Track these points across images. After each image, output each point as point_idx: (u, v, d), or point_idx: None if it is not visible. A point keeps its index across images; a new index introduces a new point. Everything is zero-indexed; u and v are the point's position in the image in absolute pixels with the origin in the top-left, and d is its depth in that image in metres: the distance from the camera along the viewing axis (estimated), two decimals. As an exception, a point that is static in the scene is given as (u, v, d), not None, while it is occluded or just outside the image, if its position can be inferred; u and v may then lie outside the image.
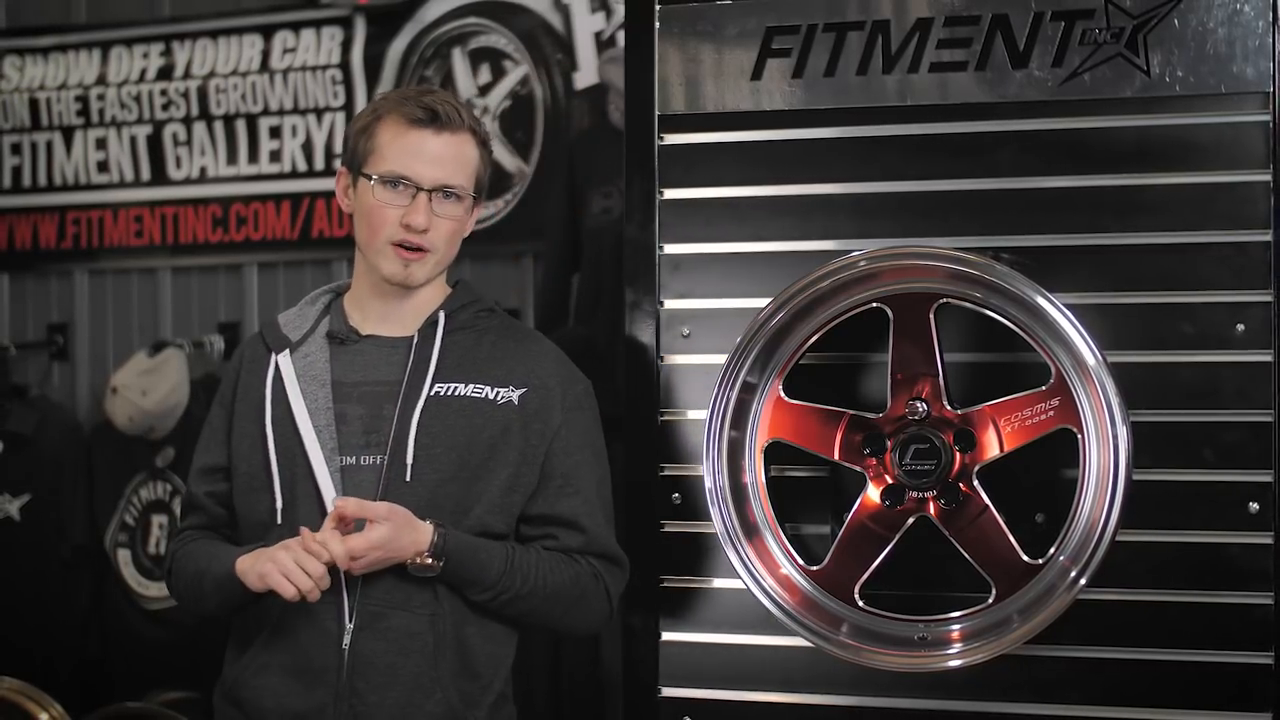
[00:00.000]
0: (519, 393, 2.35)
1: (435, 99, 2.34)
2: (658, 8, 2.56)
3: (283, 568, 2.19)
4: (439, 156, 2.32)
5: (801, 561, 2.41)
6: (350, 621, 2.26)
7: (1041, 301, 2.25)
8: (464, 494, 2.30)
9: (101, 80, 4.22)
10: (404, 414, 2.30)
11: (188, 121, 4.14)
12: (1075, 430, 2.28)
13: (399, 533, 2.22)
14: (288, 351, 2.37)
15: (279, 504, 2.30)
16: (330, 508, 2.26)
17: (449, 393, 2.33)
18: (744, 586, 2.39)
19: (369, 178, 2.32)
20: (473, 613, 2.31)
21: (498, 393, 2.34)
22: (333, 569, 2.22)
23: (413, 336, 2.37)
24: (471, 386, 2.34)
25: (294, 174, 4.05)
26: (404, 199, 2.31)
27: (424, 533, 2.25)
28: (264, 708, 2.29)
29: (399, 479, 2.28)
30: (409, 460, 2.28)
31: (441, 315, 2.38)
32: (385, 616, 2.27)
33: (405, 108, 2.33)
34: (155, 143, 4.19)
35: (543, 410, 2.36)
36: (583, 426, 2.40)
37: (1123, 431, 2.21)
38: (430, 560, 2.25)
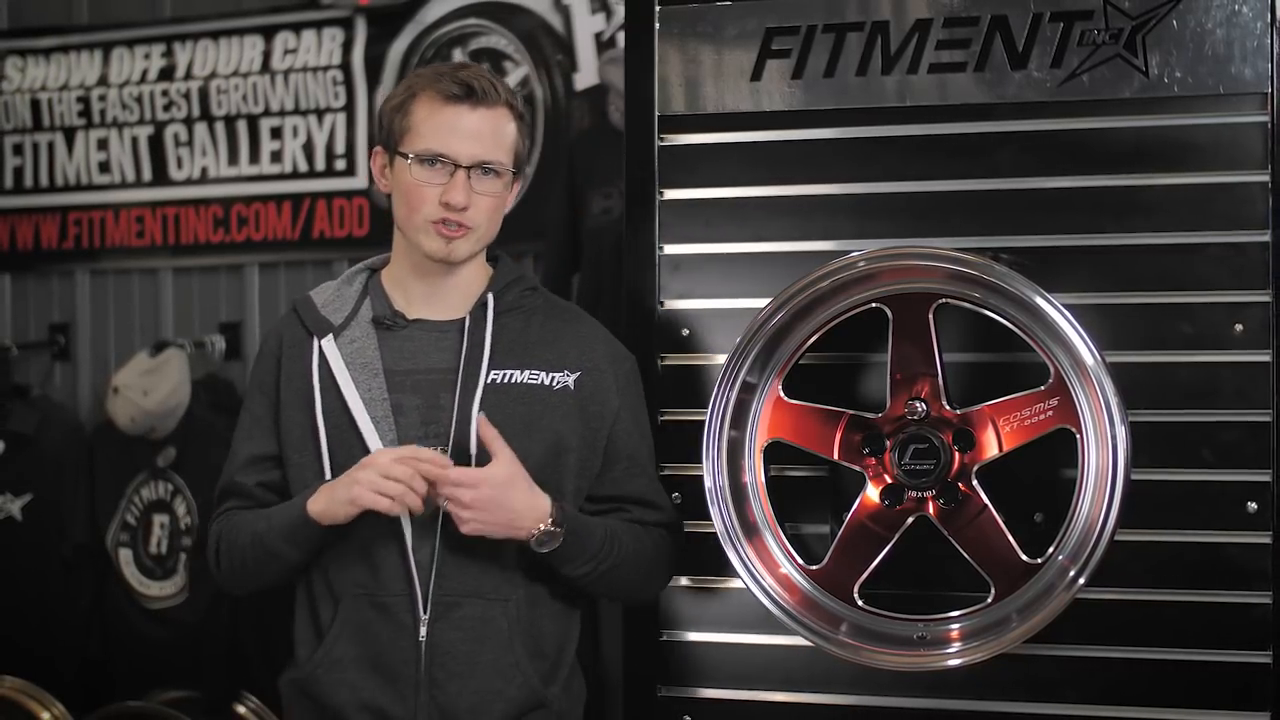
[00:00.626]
0: (574, 376, 2.34)
1: (470, 74, 2.31)
2: (658, 9, 2.57)
3: (373, 485, 2.16)
4: (476, 132, 2.28)
5: (801, 561, 2.41)
6: (425, 612, 2.25)
7: (1040, 302, 2.26)
8: (533, 482, 2.28)
9: (103, 81, 4.23)
10: (464, 404, 2.28)
11: (189, 122, 4.15)
12: (1074, 430, 2.29)
13: (515, 484, 2.20)
14: (331, 336, 2.33)
15: None
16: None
17: (506, 380, 2.31)
18: (744, 586, 2.39)
19: (406, 156, 2.29)
20: (546, 594, 2.32)
21: (553, 377, 2.33)
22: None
23: (461, 320, 2.34)
24: (527, 373, 2.32)
25: (295, 174, 4.06)
26: (442, 176, 2.28)
27: (542, 498, 2.23)
28: (341, 702, 2.27)
29: None
30: (473, 451, 2.26)
31: (490, 298, 2.35)
32: (459, 605, 2.26)
33: (440, 84, 2.29)
34: (156, 143, 4.19)
35: (598, 393, 2.36)
36: (636, 405, 2.41)
37: (1121, 431, 2.21)
38: (555, 528, 2.23)
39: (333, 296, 2.38)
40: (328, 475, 2.28)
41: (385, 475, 2.17)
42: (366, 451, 2.26)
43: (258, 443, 2.36)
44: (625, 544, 2.33)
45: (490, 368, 2.31)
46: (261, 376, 2.39)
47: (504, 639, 2.28)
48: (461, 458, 2.26)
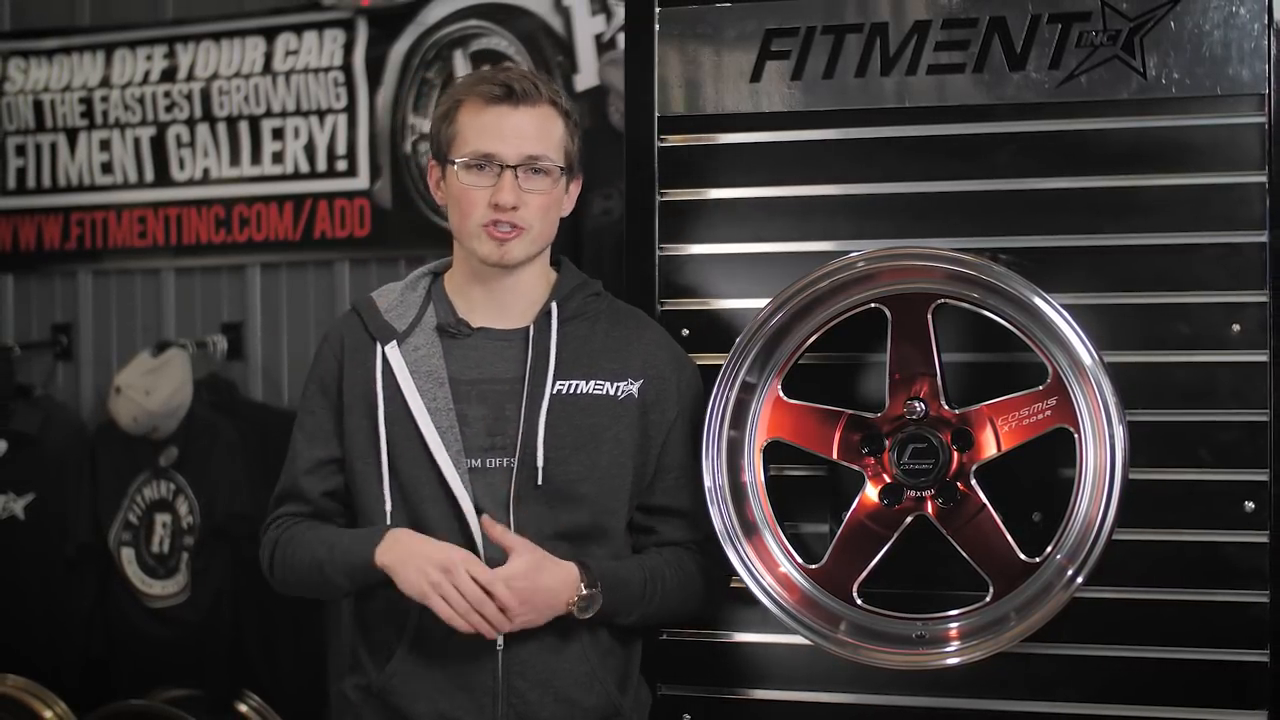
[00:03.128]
0: (637, 384, 2.34)
1: (510, 75, 2.31)
2: (657, 10, 2.58)
3: (445, 594, 2.17)
4: (520, 131, 2.27)
5: (800, 560, 2.42)
6: None
7: (1039, 302, 2.27)
8: (598, 494, 2.29)
9: (105, 82, 4.23)
10: (530, 415, 2.27)
11: (191, 123, 4.15)
12: (1072, 430, 2.29)
13: (542, 566, 2.20)
14: (395, 343, 2.32)
15: (388, 507, 2.27)
16: (468, 512, 2.23)
17: (571, 391, 2.30)
18: (743, 585, 2.40)
19: (454, 163, 2.29)
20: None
21: (618, 387, 2.32)
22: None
23: (526, 329, 2.33)
24: (593, 383, 2.31)
25: (296, 175, 4.06)
26: (490, 179, 2.27)
27: (567, 567, 2.23)
28: (419, 713, 2.26)
29: (529, 482, 2.26)
30: (539, 464, 2.25)
31: (554, 306, 2.34)
32: None
33: (481, 87, 2.29)
34: (159, 144, 4.20)
35: (660, 401, 2.35)
36: (694, 414, 2.40)
37: (1119, 431, 2.22)
38: (589, 590, 2.23)
39: (396, 301, 2.37)
40: (387, 485, 2.27)
41: (460, 589, 2.16)
42: (432, 462, 2.25)
43: (320, 446, 2.34)
44: (668, 577, 2.33)
45: (555, 378, 2.30)
46: (322, 378, 2.37)
47: (580, 649, 2.28)
48: (527, 470, 2.26)
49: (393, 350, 2.31)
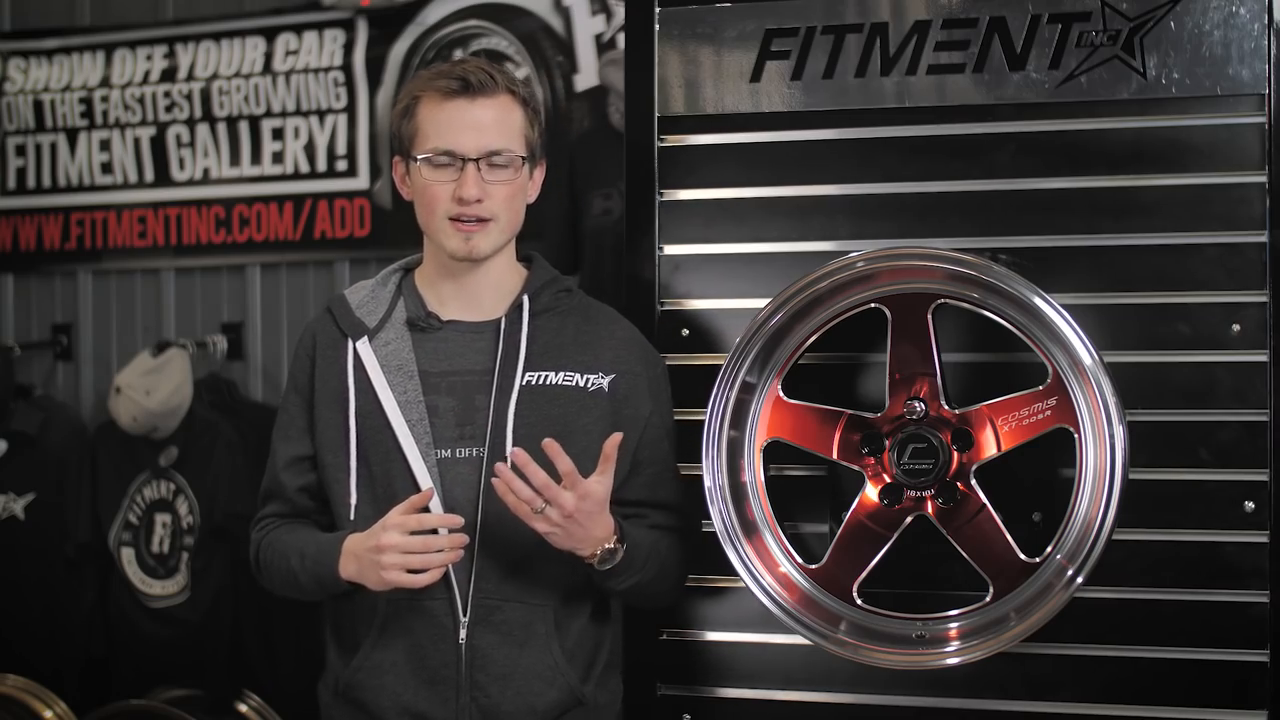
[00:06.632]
0: (608, 379, 2.35)
1: (466, 68, 2.32)
2: (658, 10, 2.58)
3: (402, 564, 2.17)
4: (478, 124, 2.28)
5: (800, 560, 2.42)
6: (465, 615, 2.26)
7: (1039, 302, 2.26)
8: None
9: (105, 82, 4.24)
10: (499, 405, 2.29)
11: (191, 123, 4.16)
12: (1072, 430, 2.29)
13: (606, 506, 2.21)
14: (366, 338, 2.34)
15: (353, 500, 2.29)
16: (434, 504, 2.24)
17: (541, 381, 2.31)
18: (743, 585, 2.40)
19: (416, 159, 2.31)
20: (582, 598, 2.33)
21: (588, 379, 2.33)
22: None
23: (496, 322, 2.35)
24: (563, 375, 2.32)
25: (296, 175, 4.07)
26: (452, 174, 2.29)
27: (611, 518, 2.24)
28: (384, 706, 2.28)
29: None
30: (507, 452, 2.26)
31: (526, 300, 2.36)
32: (499, 609, 2.27)
33: (438, 82, 2.31)
34: (159, 144, 4.20)
35: (632, 397, 2.36)
36: (667, 410, 2.42)
37: (1119, 431, 2.22)
38: (615, 545, 2.24)
39: (367, 297, 2.39)
40: (353, 480, 2.29)
41: (407, 551, 2.18)
42: (402, 455, 2.27)
43: (295, 444, 2.37)
44: (662, 553, 2.34)
45: (525, 369, 2.31)
46: (296, 376, 2.39)
47: (543, 642, 2.29)
48: (497, 459, 2.25)
49: (364, 345, 2.33)
